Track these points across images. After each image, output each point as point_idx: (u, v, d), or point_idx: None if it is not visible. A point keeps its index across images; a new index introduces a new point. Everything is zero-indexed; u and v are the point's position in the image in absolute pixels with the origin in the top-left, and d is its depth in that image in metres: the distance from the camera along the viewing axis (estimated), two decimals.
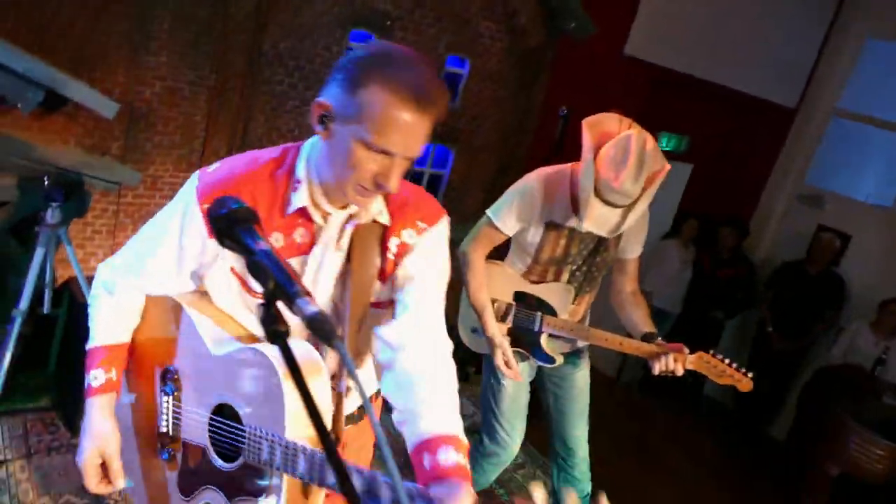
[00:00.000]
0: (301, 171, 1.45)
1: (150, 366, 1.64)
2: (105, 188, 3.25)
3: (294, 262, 1.49)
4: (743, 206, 6.73)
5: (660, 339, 2.62)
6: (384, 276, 1.54)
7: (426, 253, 1.55)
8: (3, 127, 3.11)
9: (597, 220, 2.41)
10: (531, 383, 2.92)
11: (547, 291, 2.72)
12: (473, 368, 4.73)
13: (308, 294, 1.02)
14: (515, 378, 2.70)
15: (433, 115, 1.33)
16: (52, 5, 3.06)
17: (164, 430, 1.62)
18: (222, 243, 1.13)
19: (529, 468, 4.09)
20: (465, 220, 4.86)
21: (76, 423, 3.43)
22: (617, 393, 6.02)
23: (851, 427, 4.42)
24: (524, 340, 2.76)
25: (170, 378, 1.60)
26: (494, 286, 2.72)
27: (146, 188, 3.61)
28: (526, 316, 2.73)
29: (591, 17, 4.45)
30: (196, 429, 1.56)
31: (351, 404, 1.65)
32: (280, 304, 1.02)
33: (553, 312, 2.71)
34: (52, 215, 2.80)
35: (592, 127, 2.44)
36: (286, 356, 0.98)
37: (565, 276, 2.70)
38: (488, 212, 2.71)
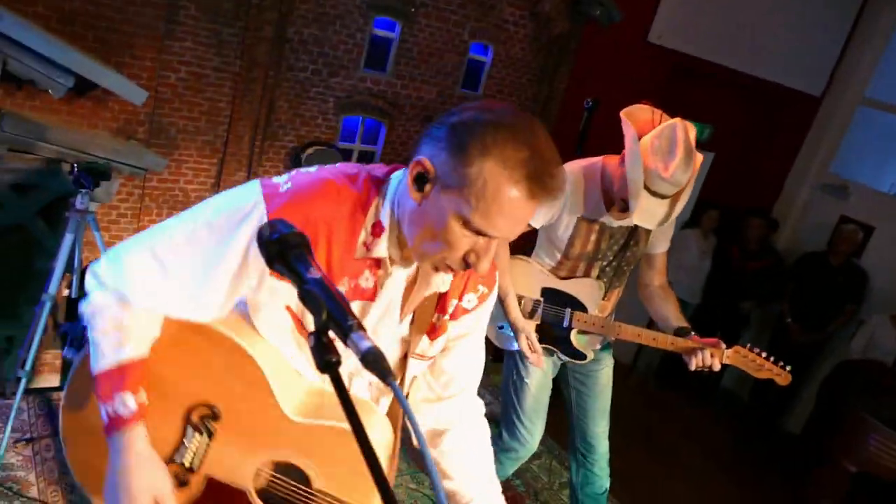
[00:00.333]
0: (386, 218, 1.31)
1: (175, 395, 1.42)
2: (131, 173, 3.28)
3: (356, 306, 1.38)
4: (765, 195, 6.66)
5: (694, 333, 2.61)
6: (434, 333, 1.48)
7: (482, 317, 1.55)
8: (33, 111, 3.15)
9: (645, 212, 2.38)
10: (553, 379, 2.92)
11: (577, 287, 2.69)
12: (491, 356, 4.73)
13: (362, 328, 0.97)
14: (538, 364, 2.68)
15: (546, 204, 1.22)
16: None
17: (183, 463, 1.44)
18: (272, 267, 1.05)
19: (545, 459, 4.11)
20: None
21: None
22: (632, 381, 6.01)
23: (871, 424, 4.39)
24: (553, 337, 2.74)
25: (209, 417, 1.42)
26: (521, 282, 2.70)
27: (170, 173, 3.64)
28: (555, 312, 2.70)
29: (616, 3, 4.41)
30: (239, 473, 1.44)
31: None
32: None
33: (583, 308, 2.69)
34: (81, 201, 2.83)
35: (630, 117, 2.42)
36: (337, 386, 0.95)
37: (595, 272, 2.68)
38: None
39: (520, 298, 2.68)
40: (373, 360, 0.93)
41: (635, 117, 2.42)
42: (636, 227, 2.59)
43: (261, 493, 1.46)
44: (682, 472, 4.82)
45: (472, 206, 1.17)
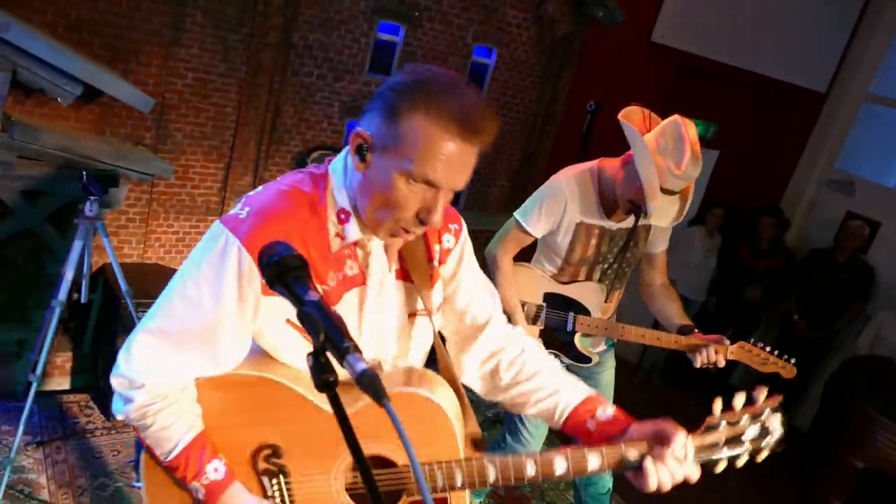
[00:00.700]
0: (344, 201, 1.35)
1: (235, 454, 1.41)
2: (139, 179, 3.32)
3: (352, 295, 1.41)
4: (771, 193, 6.66)
5: (697, 330, 2.62)
6: (431, 282, 1.53)
7: (468, 250, 1.59)
8: (42, 118, 3.19)
9: (660, 211, 2.41)
10: None
11: (579, 291, 2.71)
12: None
13: (358, 350, 1.00)
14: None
15: (480, 144, 1.26)
16: (88, 1, 3.12)
17: None
18: (272, 287, 1.07)
19: None
20: (489, 210, 4.89)
21: (109, 407, 3.52)
22: (637, 379, 6.01)
23: (879, 420, 4.39)
24: (557, 341, 2.75)
25: (273, 456, 1.41)
26: (523, 288, 2.71)
27: (177, 178, 3.68)
28: (557, 317, 2.71)
29: (619, 4, 4.42)
30: (331, 495, 1.43)
31: None
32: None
33: (585, 312, 2.70)
34: (89, 208, 2.86)
35: (627, 120, 2.44)
36: (335, 406, 0.98)
37: (596, 275, 2.70)
38: (516, 214, 2.67)
39: (522, 304, 2.69)
40: (368, 383, 0.96)
41: (631, 119, 2.44)
42: (635, 227, 2.60)
43: (358, 501, 1.45)
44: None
45: (411, 158, 1.22)
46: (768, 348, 2.61)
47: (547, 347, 2.69)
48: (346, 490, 1.44)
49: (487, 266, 2.66)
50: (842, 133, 6.50)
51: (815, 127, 6.59)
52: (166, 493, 1.44)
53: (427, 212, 1.28)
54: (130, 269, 3.35)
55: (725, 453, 1.50)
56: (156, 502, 1.46)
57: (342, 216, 1.36)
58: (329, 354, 1.00)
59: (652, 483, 1.41)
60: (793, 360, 2.60)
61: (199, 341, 1.31)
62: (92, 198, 2.86)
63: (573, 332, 2.72)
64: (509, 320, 2.62)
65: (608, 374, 2.90)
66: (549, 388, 1.58)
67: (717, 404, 1.48)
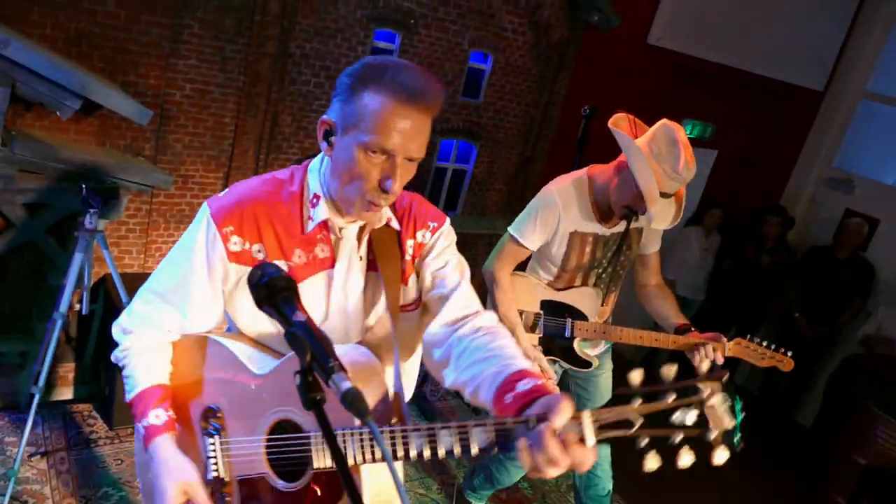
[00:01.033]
0: (316, 186, 1.48)
1: (184, 413, 1.58)
2: (139, 190, 3.34)
3: (320, 277, 1.51)
4: (770, 192, 6.68)
5: (694, 329, 2.64)
6: (405, 277, 1.59)
7: (445, 247, 1.62)
8: (42, 130, 3.22)
9: (659, 214, 2.43)
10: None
11: (575, 297, 2.73)
12: None
13: (343, 369, 1.05)
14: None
15: (429, 112, 1.35)
16: (87, 15, 3.14)
17: (215, 474, 1.53)
18: (261, 307, 1.14)
19: None
20: (487, 214, 4.91)
21: (112, 417, 3.55)
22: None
23: (880, 417, 4.40)
24: (557, 348, 2.77)
25: (212, 417, 1.54)
26: (520, 297, 2.73)
27: (177, 188, 3.70)
28: (555, 324, 2.73)
29: (614, 7, 4.43)
30: (252, 460, 1.49)
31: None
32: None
33: (583, 317, 2.72)
34: (90, 221, 2.88)
35: (618, 127, 2.46)
36: (322, 423, 1.01)
37: (592, 280, 2.72)
38: (510, 229, 2.68)
39: (520, 313, 2.70)
40: (351, 401, 1.00)
41: (619, 127, 2.46)
42: (627, 231, 2.63)
43: (275, 468, 1.48)
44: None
45: (366, 130, 1.33)
46: (765, 343, 2.63)
47: (546, 354, 2.73)
48: (265, 451, 1.50)
49: (486, 284, 2.68)
50: (840, 131, 6.52)
51: (813, 125, 6.61)
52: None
53: (386, 178, 1.36)
54: (131, 279, 3.36)
55: (644, 438, 1.21)
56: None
57: (314, 200, 1.48)
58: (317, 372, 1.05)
59: (526, 464, 1.20)
60: (790, 354, 2.62)
61: (175, 296, 1.51)
62: (92, 210, 2.88)
63: (572, 338, 2.73)
64: (511, 335, 2.63)
65: (606, 377, 2.92)
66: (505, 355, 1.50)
67: (634, 373, 1.20)
